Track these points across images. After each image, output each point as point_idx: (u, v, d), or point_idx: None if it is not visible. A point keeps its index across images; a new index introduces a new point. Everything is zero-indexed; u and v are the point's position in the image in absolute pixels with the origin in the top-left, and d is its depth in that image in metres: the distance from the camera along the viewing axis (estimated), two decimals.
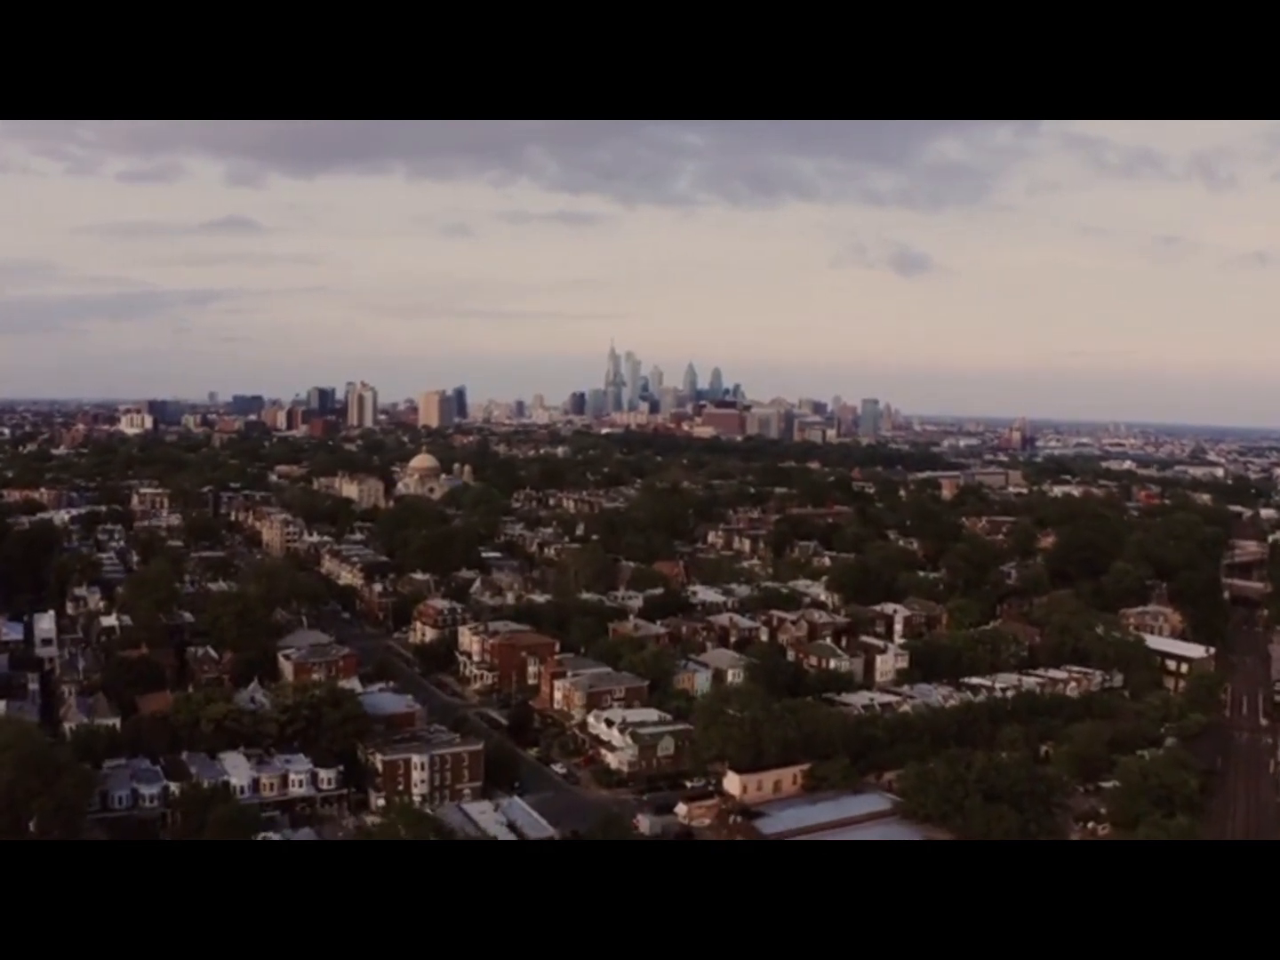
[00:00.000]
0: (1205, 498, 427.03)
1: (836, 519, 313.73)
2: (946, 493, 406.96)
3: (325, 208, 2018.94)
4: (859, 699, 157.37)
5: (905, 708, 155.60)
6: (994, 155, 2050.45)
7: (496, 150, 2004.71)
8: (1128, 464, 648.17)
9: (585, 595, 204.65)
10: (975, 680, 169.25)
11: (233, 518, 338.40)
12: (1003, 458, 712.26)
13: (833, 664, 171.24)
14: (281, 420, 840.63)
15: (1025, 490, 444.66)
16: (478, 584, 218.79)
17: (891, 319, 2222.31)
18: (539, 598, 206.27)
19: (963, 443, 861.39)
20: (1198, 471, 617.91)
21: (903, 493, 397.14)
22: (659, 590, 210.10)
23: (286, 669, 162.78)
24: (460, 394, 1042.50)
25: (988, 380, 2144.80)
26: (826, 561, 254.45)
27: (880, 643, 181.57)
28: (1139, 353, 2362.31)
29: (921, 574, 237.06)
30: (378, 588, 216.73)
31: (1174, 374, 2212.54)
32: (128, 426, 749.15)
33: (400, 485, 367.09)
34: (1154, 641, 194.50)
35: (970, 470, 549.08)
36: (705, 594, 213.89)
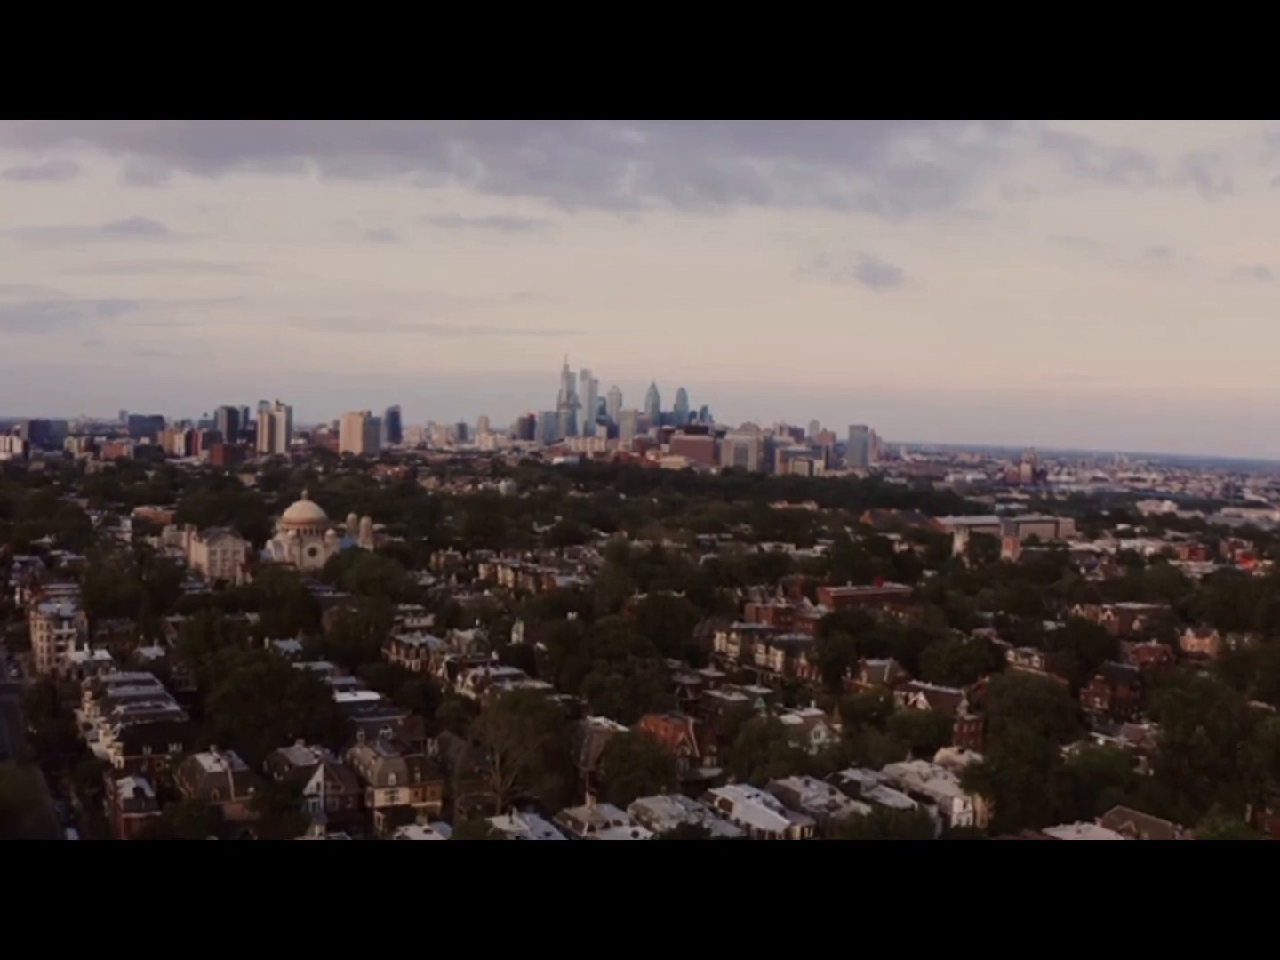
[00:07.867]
0: None
1: (896, 608, 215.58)
2: (1008, 552, 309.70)
3: (234, 209, 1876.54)
4: None
5: None
6: (964, 156, 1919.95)
7: (417, 147, 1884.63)
8: (1166, 505, 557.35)
9: (518, 824, 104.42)
10: None
11: (18, 598, 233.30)
12: (1018, 494, 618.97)
13: None
14: (180, 444, 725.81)
15: (1094, 547, 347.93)
16: (319, 778, 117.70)
17: (861, 336, 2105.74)
18: (426, 831, 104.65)
19: (968, 477, 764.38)
20: (1252, 515, 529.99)
21: (963, 555, 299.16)
22: (660, 806, 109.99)
23: None
24: (394, 415, 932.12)
25: (970, 405, 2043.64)
26: (922, 700, 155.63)
27: None
28: (1131, 376, 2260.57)
29: (1099, 740, 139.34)
30: (128, 790, 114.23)
31: (1172, 400, 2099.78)
32: None
33: (270, 545, 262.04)
34: None
35: (1004, 513, 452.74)
36: (744, 806, 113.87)
